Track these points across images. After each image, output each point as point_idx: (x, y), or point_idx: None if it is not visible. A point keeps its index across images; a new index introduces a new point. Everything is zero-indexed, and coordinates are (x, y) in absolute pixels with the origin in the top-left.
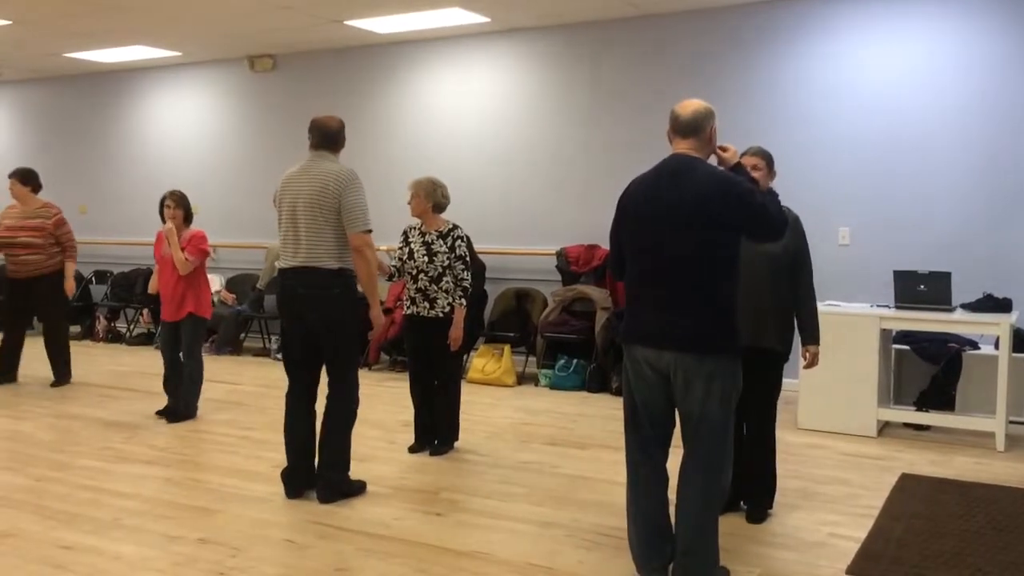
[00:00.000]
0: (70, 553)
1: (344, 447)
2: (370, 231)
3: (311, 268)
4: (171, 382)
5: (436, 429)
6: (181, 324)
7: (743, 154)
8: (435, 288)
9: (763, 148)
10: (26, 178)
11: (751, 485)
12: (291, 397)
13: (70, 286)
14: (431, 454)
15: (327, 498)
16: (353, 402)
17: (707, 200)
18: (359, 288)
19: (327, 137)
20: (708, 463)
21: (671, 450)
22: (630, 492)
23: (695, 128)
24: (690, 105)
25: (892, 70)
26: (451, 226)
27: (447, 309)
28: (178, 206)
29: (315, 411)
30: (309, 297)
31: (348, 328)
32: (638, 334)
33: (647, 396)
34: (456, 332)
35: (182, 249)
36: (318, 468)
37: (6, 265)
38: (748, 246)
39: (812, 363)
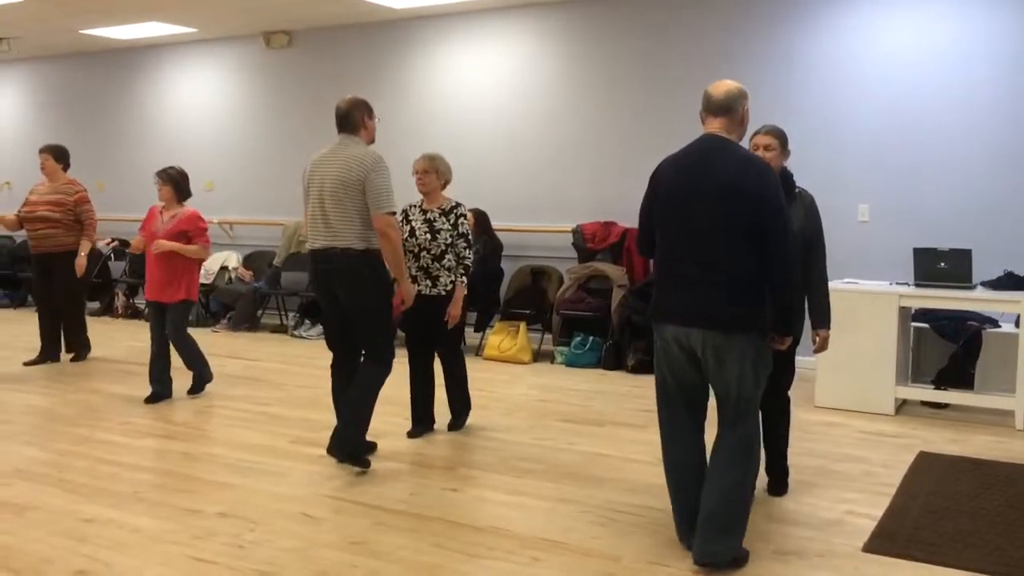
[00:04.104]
0: (91, 526)
1: (363, 407)
2: (394, 213)
3: (338, 249)
4: (159, 366)
5: (431, 410)
6: (170, 306)
7: (755, 133)
8: (437, 266)
9: (776, 127)
10: (59, 155)
11: (769, 461)
12: (335, 368)
13: (80, 262)
14: (448, 429)
15: (339, 456)
16: (383, 367)
17: (737, 180)
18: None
19: (340, 120)
20: (740, 441)
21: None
22: (668, 471)
23: (727, 108)
24: (723, 85)
25: (913, 46)
26: (454, 203)
27: (449, 287)
28: (164, 183)
29: None
30: (339, 277)
31: (377, 309)
32: (667, 312)
33: (678, 374)
34: (455, 309)
35: (187, 238)
36: (337, 424)
37: (28, 240)
38: None
39: (822, 347)
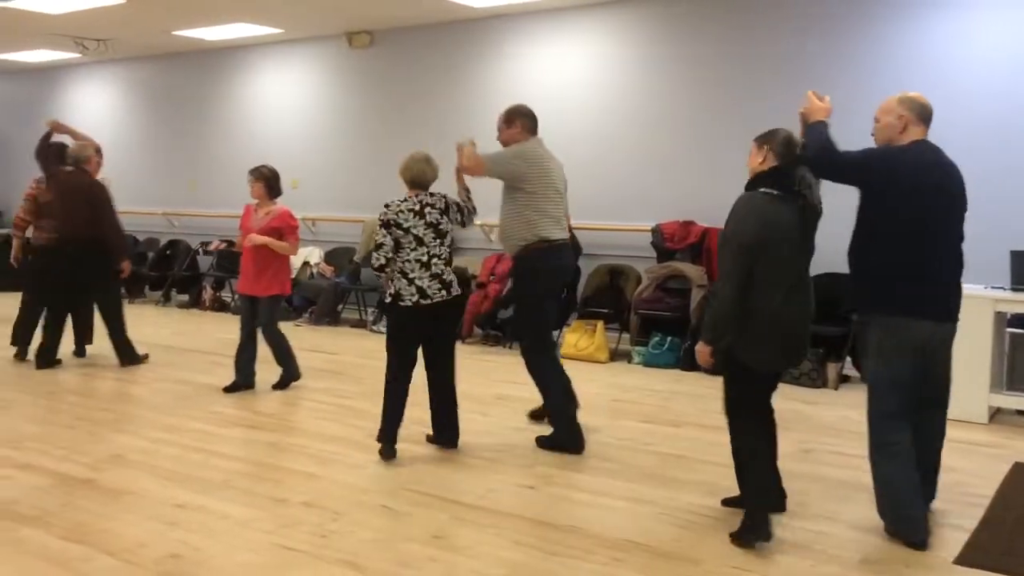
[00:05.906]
0: (182, 511)
1: (544, 391)
2: None
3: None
4: (244, 356)
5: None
6: (262, 299)
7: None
8: (448, 269)
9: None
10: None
11: None
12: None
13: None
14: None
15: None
16: (535, 352)
17: (962, 185)
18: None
19: (535, 122)
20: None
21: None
22: (894, 456)
23: (931, 118)
24: (923, 96)
25: (1005, 46)
26: (441, 195)
27: (459, 289)
28: (256, 180)
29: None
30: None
31: (521, 298)
32: (924, 310)
33: (913, 368)
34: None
35: (279, 235)
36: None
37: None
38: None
39: None
